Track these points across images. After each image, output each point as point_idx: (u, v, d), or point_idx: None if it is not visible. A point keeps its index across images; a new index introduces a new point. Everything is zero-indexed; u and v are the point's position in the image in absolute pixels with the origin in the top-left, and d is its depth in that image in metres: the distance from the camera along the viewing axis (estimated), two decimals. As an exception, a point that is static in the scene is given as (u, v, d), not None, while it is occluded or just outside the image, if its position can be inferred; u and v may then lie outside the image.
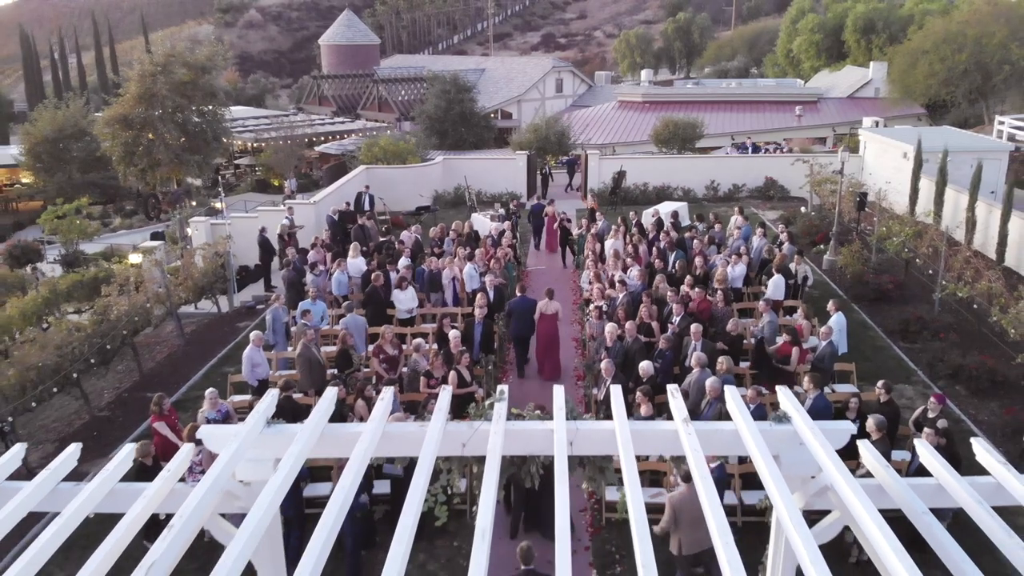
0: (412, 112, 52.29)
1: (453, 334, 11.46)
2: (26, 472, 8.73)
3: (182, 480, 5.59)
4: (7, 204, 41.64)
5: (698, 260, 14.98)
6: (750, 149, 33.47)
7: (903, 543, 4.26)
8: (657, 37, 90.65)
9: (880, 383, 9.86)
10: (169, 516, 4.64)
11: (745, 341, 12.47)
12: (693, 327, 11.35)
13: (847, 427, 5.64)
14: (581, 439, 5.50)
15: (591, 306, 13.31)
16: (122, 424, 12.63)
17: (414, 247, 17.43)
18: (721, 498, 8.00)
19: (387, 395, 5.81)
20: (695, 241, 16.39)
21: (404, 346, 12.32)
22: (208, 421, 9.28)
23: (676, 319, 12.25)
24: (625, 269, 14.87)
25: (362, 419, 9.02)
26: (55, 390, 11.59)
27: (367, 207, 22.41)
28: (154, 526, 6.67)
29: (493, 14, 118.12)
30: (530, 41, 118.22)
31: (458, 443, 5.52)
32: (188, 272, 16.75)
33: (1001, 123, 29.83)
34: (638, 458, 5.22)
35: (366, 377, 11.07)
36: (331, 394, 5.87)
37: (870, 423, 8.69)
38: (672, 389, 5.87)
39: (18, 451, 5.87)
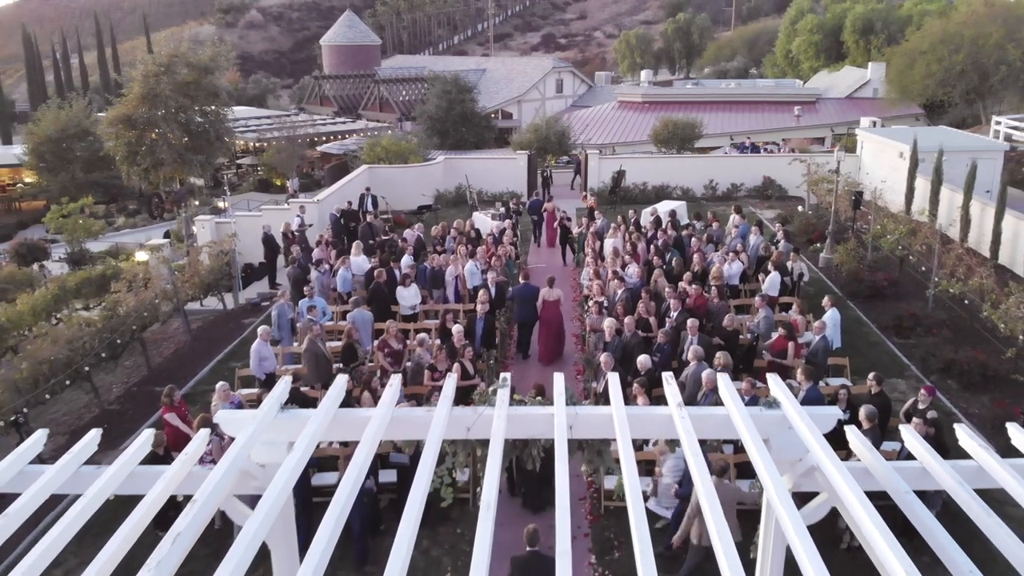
0: (413, 112, 52.58)
1: (456, 328, 11.75)
2: (39, 463, 8.99)
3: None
4: (10, 203, 41.91)
5: (696, 257, 15.27)
6: (749, 149, 33.75)
7: (893, 532, 4.42)
8: (657, 37, 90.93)
9: (871, 375, 10.14)
10: (176, 512, 4.80)
11: (741, 337, 12.76)
12: (690, 322, 11.64)
13: (834, 412, 5.90)
14: (580, 423, 5.76)
15: (591, 302, 13.60)
16: (132, 417, 12.90)
17: (416, 245, 17.73)
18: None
19: (395, 381, 6.07)
20: (693, 239, 16.67)
21: (408, 341, 12.61)
22: None
23: (674, 314, 12.53)
24: (624, 266, 15.15)
25: (368, 410, 9.27)
26: (68, 383, 11.85)
27: (370, 207, 22.74)
28: (164, 518, 6.97)
29: (493, 14, 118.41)
30: (530, 41, 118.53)
31: (463, 427, 5.78)
32: (194, 269, 17.05)
33: (998, 123, 30.12)
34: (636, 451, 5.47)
35: (371, 371, 11.35)
36: (342, 381, 6.13)
37: (861, 413, 8.97)
38: (667, 376, 6.13)
39: (40, 436, 6.09)
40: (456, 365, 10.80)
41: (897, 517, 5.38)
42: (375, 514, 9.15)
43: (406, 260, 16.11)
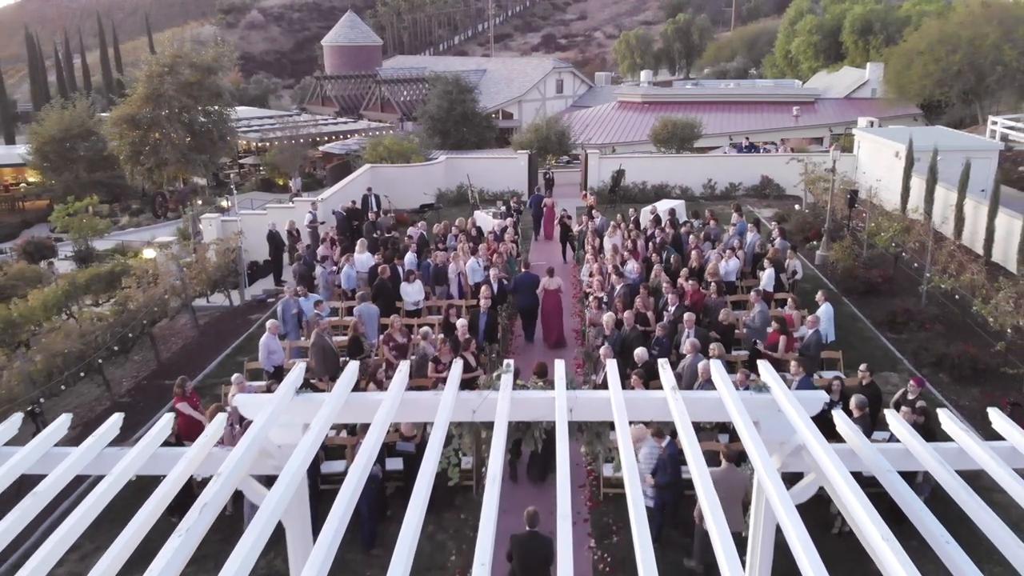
0: (414, 112, 52.89)
1: (460, 323, 12.09)
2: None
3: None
4: (13, 203, 42.23)
5: (694, 254, 15.61)
6: (747, 149, 34.05)
7: (882, 518, 4.54)
8: (657, 38, 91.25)
9: (862, 366, 10.45)
10: (186, 504, 5.01)
11: (737, 331, 13.08)
12: (686, 316, 11.96)
13: (821, 395, 6.21)
14: (580, 406, 6.07)
15: (591, 297, 13.92)
16: (142, 409, 13.20)
17: (419, 242, 18.06)
18: (677, 474, 8.62)
19: (404, 367, 6.38)
20: (691, 236, 17.00)
21: (412, 335, 12.93)
22: None
23: (672, 309, 12.85)
24: (624, 263, 15.47)
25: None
26: (82, 375, 12.17)
27: (374, 207, 23.07)
28: (179, 505, 7.25)
29: (493, 15, 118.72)
30: (530, 42, 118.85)
31: (469, 410, 6.09)
32: (202, 266, 17.38)
33: (994, 123, 30.42)
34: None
35: (376, 363, 11.66)
36: (354, 366, 6.44)
37: (852, 402, 9.28)
38: (662, 363, 6.44)
39: (64, 420, 6.39)
40: (459, 359, 11.11)
41: (886, 504, 5.55)
42: (382, 500, 9.46)
43: (409, 257, 16.46)
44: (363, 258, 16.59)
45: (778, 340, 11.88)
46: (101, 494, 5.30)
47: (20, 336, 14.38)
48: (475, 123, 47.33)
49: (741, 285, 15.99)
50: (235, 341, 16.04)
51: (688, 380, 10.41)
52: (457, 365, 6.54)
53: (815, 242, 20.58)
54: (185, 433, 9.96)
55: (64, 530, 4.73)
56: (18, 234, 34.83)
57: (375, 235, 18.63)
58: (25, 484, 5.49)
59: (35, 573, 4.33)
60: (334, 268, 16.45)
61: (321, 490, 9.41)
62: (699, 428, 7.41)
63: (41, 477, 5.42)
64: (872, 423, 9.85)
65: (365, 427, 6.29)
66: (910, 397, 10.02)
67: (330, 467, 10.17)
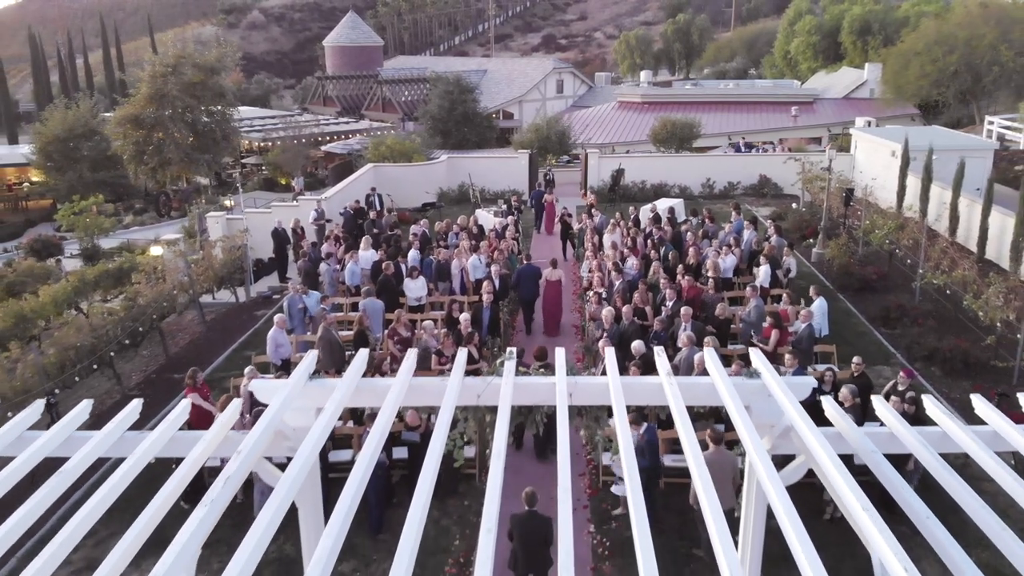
0: (416, 112, 53.19)
1: (464, 317, 12.41)
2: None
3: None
4: (17, 202, 42.51)
5: (692, 251, 15.92)
6: (745, 149, 34.34)
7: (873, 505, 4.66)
8: (657, 38, 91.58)
9: (855, 358, 10.75)
10: (198, 493, 5.20)
11: (733, 326, 13.38)
12: (683, 310, 12.26)
13: (809, 381, 6.51)
14: (580, 391, 6.36)
15: (591, 293, 14.22)
16: (151, 402, 13.46)
17: (422, 240, 18.37)
18: (657, 459, 8.92)
19: (411, 355, 6.68)
20: (689, 234, 17.30)
21: (416, 329, 13.21)
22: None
23: (669, 304, 13.15)
24: (623, 259, 15.78)
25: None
26: (94, 368, 12.47)
27: (378, 206, 23.41)
28: (193, 492, 7.53)
29: (494, 15, 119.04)
30: (531, 42, 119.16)
31: (474, 394, 6.39)
32: (208, 263, 17.70)
33: (991, 123, 30.72)
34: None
35: (381, 357, 11.96)
36: (364, 353, 6.73)
37: (843, 391, 9.58)
38: (658, 351, 6.73)
39: (85, 406, 6.66)
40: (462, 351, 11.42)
41: (877, 493, 5.72)
42: (388, 487, 9.75)
43: (412, 254, 16.77)
44: (367, 255, 16.90)
45: (771, 334, 12.18)
46: (124, 474, 5.59)
47: (31, 331, 14.68)
48: (476, 123, 47.65)
49: (738, 281, 16.29)
50: (241, 336, 16.35)
51: (684, 372, 10.69)
52: (462, 353, 6.83)
53: (811, 240, 20.89)
54: (196, 424, 10.21)
55: (86, 510, 4.98)
56: (22, 233, 35.13)
57: (375, 232, 18.99)
58: (39, 473, 5.73)
59: (60, 550, 4.60)
60: (338, 265, 16.76)
61: (329, 478, 9.71)
62: (694, 418, 7.71)
63: (63, 460, 5.65)
64: (863, 414, 10.12)
65: (371, 417, 6.57)
66: (900, 388, 10.32)
67: (337, 456, 10.46)
